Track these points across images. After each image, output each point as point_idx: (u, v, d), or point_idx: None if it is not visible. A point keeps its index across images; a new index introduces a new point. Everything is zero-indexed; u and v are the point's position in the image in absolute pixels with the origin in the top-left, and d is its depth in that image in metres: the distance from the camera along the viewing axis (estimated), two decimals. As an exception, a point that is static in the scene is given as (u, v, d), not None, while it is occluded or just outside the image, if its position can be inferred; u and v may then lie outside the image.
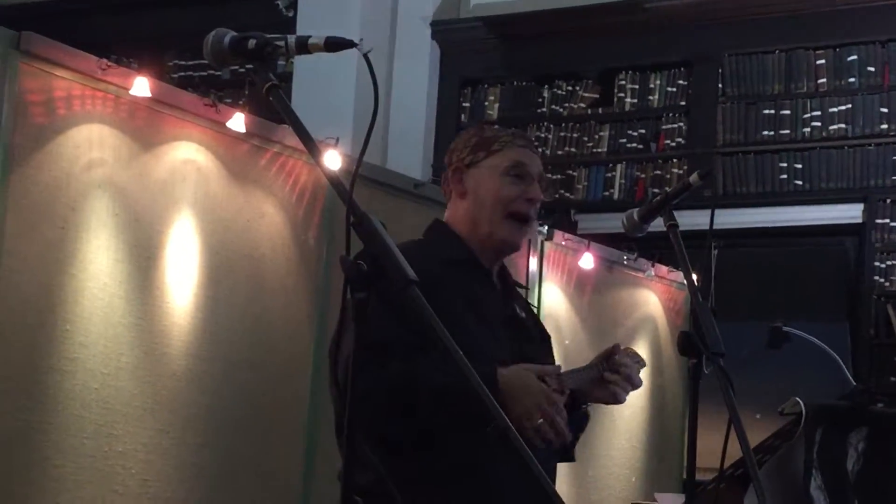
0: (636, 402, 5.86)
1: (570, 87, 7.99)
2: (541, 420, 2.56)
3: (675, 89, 7.66)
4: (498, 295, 2.83)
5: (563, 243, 5.53)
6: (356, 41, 2.00)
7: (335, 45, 2.02)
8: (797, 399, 4.38)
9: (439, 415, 2.51)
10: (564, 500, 1.93)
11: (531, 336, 2.89)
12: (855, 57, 7.15)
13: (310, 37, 2.04)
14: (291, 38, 2.06)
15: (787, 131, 7.25)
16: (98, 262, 3.68)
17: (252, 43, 2.07)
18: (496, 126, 2.95)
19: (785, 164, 7.21)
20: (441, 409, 2.50)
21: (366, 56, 1.97)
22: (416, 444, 2.56)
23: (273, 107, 2.06)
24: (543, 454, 2.60)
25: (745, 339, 5.42)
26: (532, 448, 1.98)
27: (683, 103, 7.63)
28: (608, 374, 2.88)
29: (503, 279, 2.89)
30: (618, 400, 2.89)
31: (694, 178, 2.85)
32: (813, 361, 5.83)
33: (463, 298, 2.68)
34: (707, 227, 2.88)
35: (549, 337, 2.99)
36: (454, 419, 2.48)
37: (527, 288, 2.94)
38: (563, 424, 2.61)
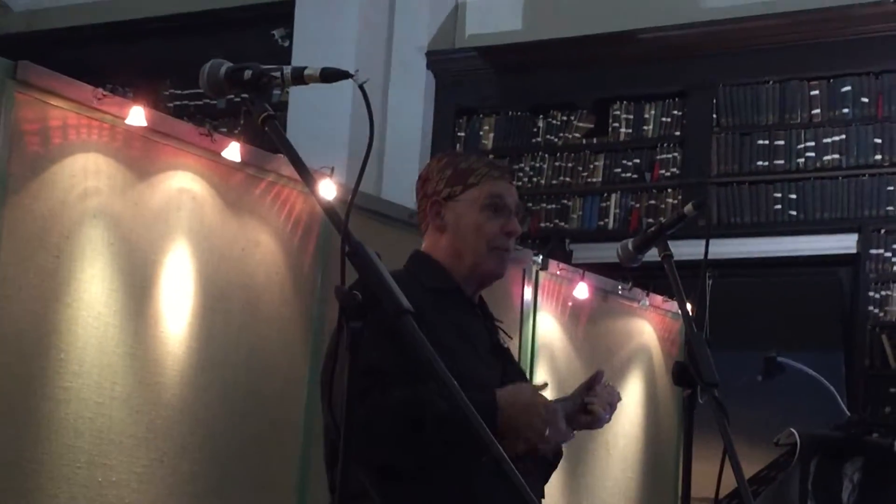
0: (630, 430, 5.85)
1: (564, 117, 8.01)
2: (548, 432, 2.62)
3: (669, 119, 7.69)
4: (482, 323, 2.86)
5: (558, 273, 5.53)
6: (352, 72, 2.01)
7: (331, 76, 2.03)
8: (792, 430, 4.39)
9: (442, 442, 2.51)
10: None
11: (514, 362, 2.95)
12: (849, 88, 7.18)
13: (305, 68, 2.05)
14: (287, 69, 2.07)
15: (782, 162, 7.27)
16: (92, 291, 3.68)
17: (248, 74, 2.08)
18: (468, 154, 2.96)
19: (779, 195, 7.23)
20: (444, 437, 2.50)
21: (361, 87, 1.98)
22: (415, 471, 2.56)
23: (268, 136, 2.07)
24: (532, 479, 2.63)
25: (739, 369, 5.43)
26: (525, 475, 1.99)
27: (678, 133, 7.65)
28: (588, 398, 2.90)
29: (483, 308, 2.92)
30: (600, 421, 2.91)
31: (688, 208, 2.86)
32: (808, 391, 5.84)
33: (453, 327, 2.70)
34: (701, 257, 2.89)
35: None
36: (456, 447, 2.49)
37: (501, 322, 2.98)
38: (566, 429, 2.72)
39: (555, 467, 2.96)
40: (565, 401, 2.91)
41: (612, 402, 2.94)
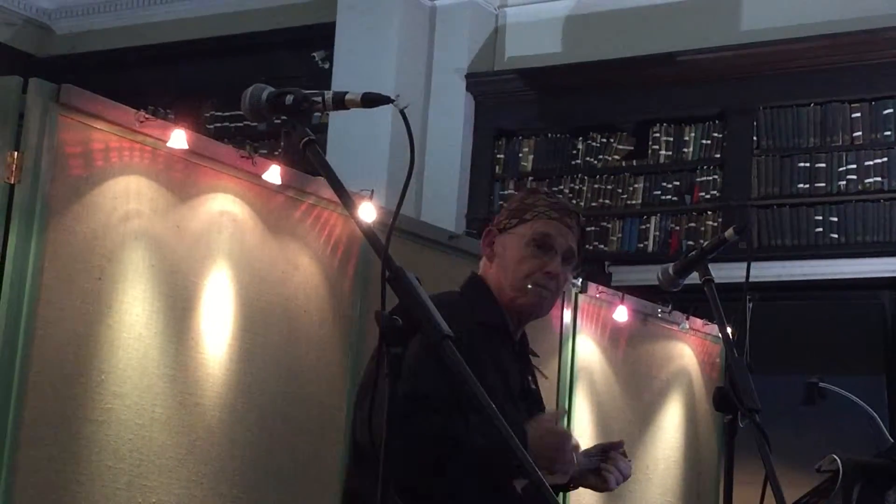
0: (670, 455, 5.82)
1: (604, 139, 8.00)
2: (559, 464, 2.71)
3: (709, 142, 7.66)
4: (518, 365, 2.88)
5: (597, 295, 5.51)
6: (393, 96, 2.02)
7: (372, 101, 2.04)
8: (834, 456, 4.35)
9: (477, 474, 2.54)
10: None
11: (540, 406, 2.98)
12: (891, 110, 7.14)
13: (347, 93, 2.06)
14: (328, 94, 2.08)
15: (823, 184, 7.23)
16: (134, 313, 3.70)
17: (289, 99, 2.09)
18: (547, 193, 2.98)
19: (820, 217, 7.19)
20: (480, 469, 2.55)
21: (402, 112, 1.99)
22: (447, 497, 2.58)
23: (308, 158, 2.08)
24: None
25: (780, 394, 5.39)
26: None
27: (718, 155, 7.62)
28: (603, 465, 2.97)
29: (522, 346, 2.94)
30: (608, 485, 2.98)
31: (730, 232, 2.85)
32: (850, 417, 5.79)
33: (493, 364, 2.72)
34: (740, 280, 2.88)
35: (544, 408, 3.06)
36: (488, 476, 2.51)
37: (538, 356, 3.02)
38: (572, 454, 2.76)
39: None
40: (587, 456, 2.99)
41: (626, 474, 3.00)
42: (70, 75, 4.16)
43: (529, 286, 2.82)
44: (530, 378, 2.95)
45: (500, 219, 2.91)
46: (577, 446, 2.82)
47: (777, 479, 2.50)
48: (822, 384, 5.36)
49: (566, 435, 2.73)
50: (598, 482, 2.98)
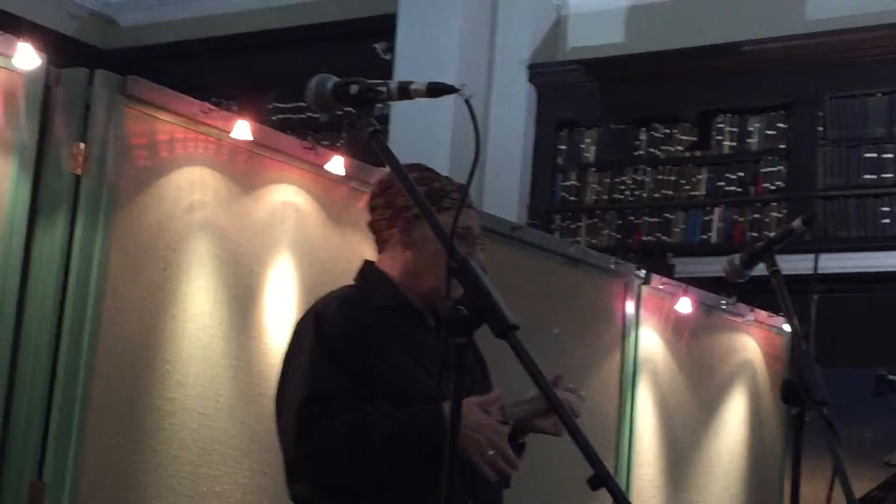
0: (734, 447, 5.77)
1: (667, 130, 7.95)
2: (492, 452, 2.56)
3: (774, 132, 7.59)
4: (432, 334, 2.82)
5: (661, 287, 5.48)
6: (457, 86, 2.01)
7: (437, 90, 2.03)
8: (902, 450, 4.30)
9: (392, 460, 2.56)
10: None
11: (469, 369, 2.85)
12: (958, 99, 7.05)
13: (412, 82, 2.06)
14: (393, 84, 2.08)
15: (890, 175, 7.15)
16: (198, 303, 3.72)
17: (355, 88, 2.09)
18: (435, 172, 2.89)
19: (887, 209, 7.11)
20: (394, 455, 2.55)
21: (467, 101, 1.98)
22: (370, 488, 2.60)
23: (371, 149, 2.07)
24: (492, 486, 2.62)
25: (847, 387, 5.34)
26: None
27: (783, 146, 7.56)
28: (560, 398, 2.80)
29: (434, 316, 2.86)
30: (558, 431, 2.79)
31: (797, 223, 2.83)
32: (918, 410, 5.73)
33: (399, 342, 2.70)
34: (805, 272, 2.85)
35: (485, 363, 2.93)
36: (406, 463, 2.54)
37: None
38: (512, 454, 2.60)
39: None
40: (524, 402, 2.77)
41: (576, 411, 2.77)
42: (135, 68, 4.19)
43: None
44: None
45: (409, 203, 2.71)
46: (495, 440, 2.61)
47: (846, 473, 2.48)
48: (890, 376, 5.30)
49: (482, 424, 2.57)
50: (548, 425, 2.77)
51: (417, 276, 2.79)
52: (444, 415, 2.54)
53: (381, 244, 2.87)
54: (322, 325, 2.66)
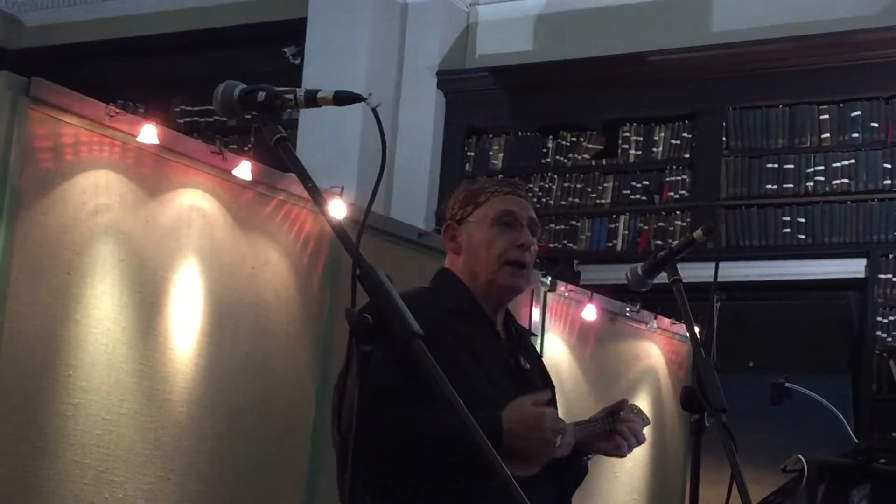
0: (637, 454, 5.82)
1: (574, 138, 8.01)
2: (559, 439, 2.64)
3: (678, 142, 7.69)
4: (501, 344, 2.85)
5: (566, 294, 5.53)
6: (364, 95, 2.02)
7: (344, 99, 2.04)
8: (799, 456, 4.38)
9: (438, 466, 2.52)
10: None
11: (534, 385, 2.90)
12: (858, 112, 7.18)
13: (319, 91, 2.06)
14: (301, 92, 2.08)
15: (791, 185, 7.26)
16: (102, 308, 3.69)
17: (262, 96, 2.09)
18: (486, 178, 3.01)
19: (788, 218, 7.22)
20: (440, 461, 2.52)
21: (374, 110, 1.99)
22: (415, 493, 2.57)
23: (279, 155, 2.08)
24: (544, 498, 2.64)
25: (746, 394, 5.41)
26: (532, 497, 1.99)
27: (687, 156, 7.65)
28: (620, 428, 2.90)
29: (507, 328, 2.91)
30: (621, 453, 2.92)
31: (698, 233, 2.87)
32: (815, 417, 5.83)
33: (465, 346, 2.71)
34: (708, 280, 2.90)
35: (552, 386, 2.99)
36: (454, 470, 2.49)
37: (534, 334, 2.99)
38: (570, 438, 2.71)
39: (577, 483, 2.94)
40: (587, 424, 2.91)
41: (639, 437, 2.96)
42: (40, 68, 4.14)
43: (505, 264, 2.81)
44: (522, 358, 2.90)
45: (453, 212, 2.89)
46: (560, 428, 2.71)
47: (743, 479, 2.52)
48: (787, 384, 5.39)
49: (540, 414, 2.64)
50: (610, 448, 2.92)
51: (473, 274, 2.84)
52: (504, 420, 2.58)
53: (449, 255, 2.94)
54: None
